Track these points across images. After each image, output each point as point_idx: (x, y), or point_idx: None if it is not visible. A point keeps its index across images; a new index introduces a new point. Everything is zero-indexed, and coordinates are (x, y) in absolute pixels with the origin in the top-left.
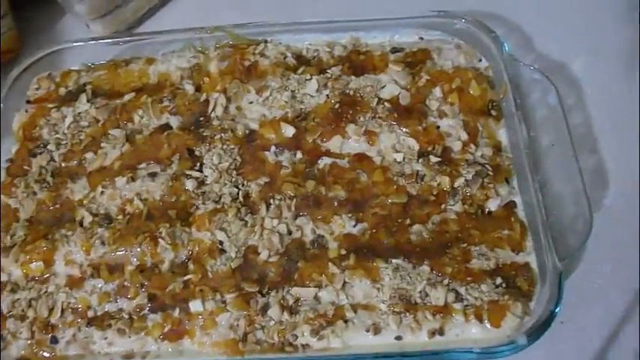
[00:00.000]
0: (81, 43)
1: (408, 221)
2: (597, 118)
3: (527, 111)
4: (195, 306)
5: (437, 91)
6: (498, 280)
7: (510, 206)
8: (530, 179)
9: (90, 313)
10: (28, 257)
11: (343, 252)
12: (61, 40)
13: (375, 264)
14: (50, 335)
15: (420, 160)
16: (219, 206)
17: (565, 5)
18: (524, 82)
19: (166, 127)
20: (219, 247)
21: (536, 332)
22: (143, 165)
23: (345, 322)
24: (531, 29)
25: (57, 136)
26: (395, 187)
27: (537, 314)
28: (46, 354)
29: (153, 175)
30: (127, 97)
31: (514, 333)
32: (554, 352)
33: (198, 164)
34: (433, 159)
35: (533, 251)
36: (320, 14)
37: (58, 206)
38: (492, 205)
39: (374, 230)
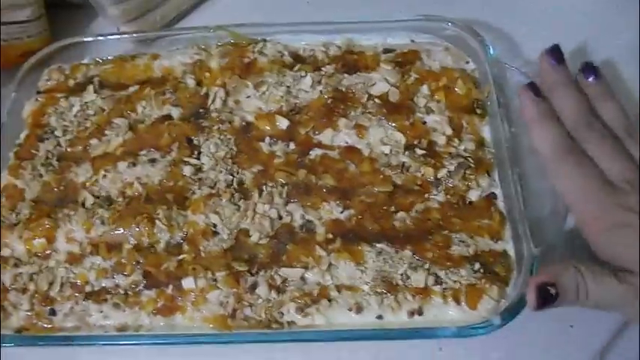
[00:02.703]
0: (90, 39)
1: (392, 209)
2: None
3: (511, 111)
4: (187, 283)
5: (424, 89)
6: (477, 266)
7: (491, 197)
8: (510, 173)
9: (87, 288)
10: (31, 234)
11: (330, 236)
12: None
13: (359, 248)
14: (49, 308)
15: (406, 153)
16: (214, 191)
17: (555, 16)
18: (508, 84)
19: (167, 117)
20: (213, 229)
21: (509, 313)
22: (144, 152)
23: (330, 301)
24: (520, 37)
25: (64, 123)
26: (381, 176)
27: (512, 298)
28: (44, 325)
29: (153, 161)
30: (131, 89)
31: (490, 315)
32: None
33: (196, 152)
34: (418, 152)
35: (510, 240)
36: (317, 17)
37: (62, 188)
38: (473, 195)
39: (360, 217)
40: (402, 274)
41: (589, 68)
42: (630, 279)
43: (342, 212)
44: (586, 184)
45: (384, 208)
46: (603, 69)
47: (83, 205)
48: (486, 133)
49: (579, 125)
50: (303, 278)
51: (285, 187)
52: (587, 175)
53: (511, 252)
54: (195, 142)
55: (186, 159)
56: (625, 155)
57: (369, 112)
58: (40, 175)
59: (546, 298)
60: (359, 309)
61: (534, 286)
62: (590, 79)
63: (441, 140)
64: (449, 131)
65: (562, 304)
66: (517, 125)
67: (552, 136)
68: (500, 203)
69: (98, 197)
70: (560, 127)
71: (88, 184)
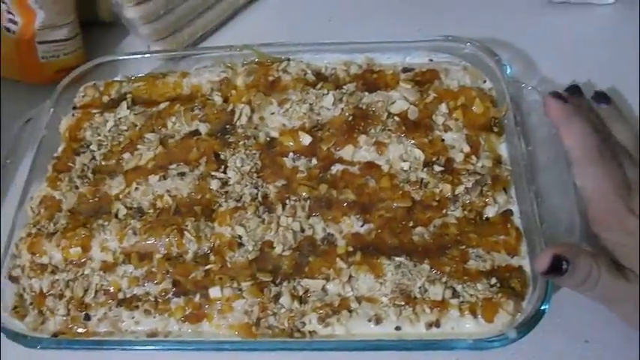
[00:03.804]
0: (123, 57)
1: (411, 224)
2: None
3: (527, 129)
4: (214, 292)
5: (443, 108)
6: (493, 280)
7: (507, 214)
8: (526, 189)
9: (120, 295)
10: (68, 243)
11: (350, 249)
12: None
13: (379, 261)
14: (84, 313)
15: (425, 169)
16: (239, 205)
17: (570, 34)
18: (525, 103)
19: (196, 132)
20: (239, 240)
21: (525, 327)
22: (174, 166)
23: (350, 312)
24: (536, 56)
25: (99, 138)
26: (400, 192)
27: (527, 312)
28: (79, 330)
29: (182, 175)
30: (162, 106)
31: (505, 328)
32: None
33: (222, 167)
34: (437, 168)
35: (527, 256)
36: (338, 36)
37: (96, 199)
38: (490, 211)
39: (379, 230)
40: (420, 287)
41: (600, 96)
42: (634, 279)
43: (362, 226)
44: (607, 187)
45: (403, 222)
46: (621, 84)
47: (116, 216)
48: (503, 150)
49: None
50: (324, 289)
51: (308, 201)
52: (609, 178)
53: (527, 268)
54: (222, 156)
55: (213, 173)
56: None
57: (389, 130)
58: (76, 187)
59: (557, 269)
60: (378, 320)
61: (552, 253)
62: (602, 106)
63: (459, 157)
64: (467, 149)
65: (567, 283)
66: (533, 143)
67: (582, 137)
68: (517, 219)
69: (130, 209)
70: (589, 125)
71: (121, 196)
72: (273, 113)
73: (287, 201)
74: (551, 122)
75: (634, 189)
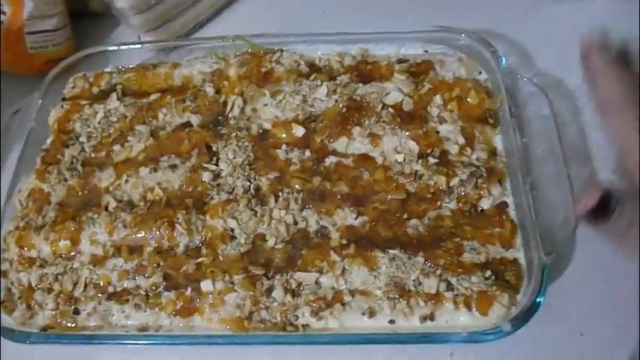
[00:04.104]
0: (114, 48)
1: (405, 216)
2: (591, 136)
3: (523, 121)
4: (206, 286)
5: (437, 99)
6: (488, 273)
7: (502, 206)
8: (522, 182)
9: (110, 289)
10: (57, 236)
11: (344, 242)
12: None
13: (373, 253)
14: (73, 307)
15: (419, 161)
16: (232, 197)
17: (567, 26)
18: (520, 94)
19: (187, 124)
20: (231, 233)
21: (520, 320)
22: (165, 158)
23: (343, 305)
24: (532, 48)
25: (88, 129)
26: (395, 184)
27: (522, 305)
28: (68, 324)
29: (173, 167)
30: (153, 97)
31: (500, 321)
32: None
33: (214, 159)
34: (431, 160)
35: (522, 248)
36: (332, 27)
37: (86, 192)
38: (485, 204)
39: (373, 223)
40: (414, 280)
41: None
42: None
43: (355, 219)
44: None
45: (397, 215)
46: None
47: (106, 208)
48: (498, 142)
49: None
50: (317, 282)
51: (301, 194)
52: None
53: (522, 260)
54: (214, 148)
55: (205, 165)
56: None
57: (383, 121)
58: (65, 180)
59: (605, 209)
60: (372, 313)
61: (600, 190)
62: None
63: (454, 149)
64: (461, 140)
65: (609, 227)
66: (528, 135)
67: (621, 85)
68: (512, 212)
69: (120, 201)
70: (624, 79)
71: (111, 188)
72: (265, 105)
73: (280, 193)
74: (587, 73)
75: None
